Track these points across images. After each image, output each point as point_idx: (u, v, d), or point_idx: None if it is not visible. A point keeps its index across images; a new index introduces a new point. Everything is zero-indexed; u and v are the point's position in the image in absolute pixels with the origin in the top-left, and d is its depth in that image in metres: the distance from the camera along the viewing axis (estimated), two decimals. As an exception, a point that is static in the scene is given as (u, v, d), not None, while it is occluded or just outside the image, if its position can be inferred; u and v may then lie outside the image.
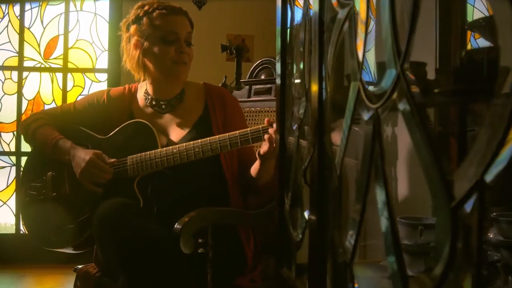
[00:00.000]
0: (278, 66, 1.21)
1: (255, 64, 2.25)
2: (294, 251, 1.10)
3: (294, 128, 1.10)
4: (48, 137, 1.92)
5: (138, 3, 1.94)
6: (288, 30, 1.20)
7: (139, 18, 1.89)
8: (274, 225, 1.24)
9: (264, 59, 2.23)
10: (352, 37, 0.67)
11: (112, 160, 1.84)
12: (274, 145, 1.65)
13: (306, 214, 1.01)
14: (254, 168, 1.82)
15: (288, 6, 1.15)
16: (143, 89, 1.99)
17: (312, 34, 0.92)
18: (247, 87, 2.25)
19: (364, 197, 0.62)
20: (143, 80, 1.98)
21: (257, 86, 2.21)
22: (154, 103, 1.95)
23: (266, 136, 1.69)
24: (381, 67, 0.75)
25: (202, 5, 4.15)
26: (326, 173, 0.84)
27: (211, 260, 1.60)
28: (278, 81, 1.20)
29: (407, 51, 0.53)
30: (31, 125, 1.98)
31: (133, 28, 1.91)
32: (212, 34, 3.87)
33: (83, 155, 1.84)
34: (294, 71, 1.16)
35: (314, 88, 0.87)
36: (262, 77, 2.22)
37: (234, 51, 3.06)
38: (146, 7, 1.90)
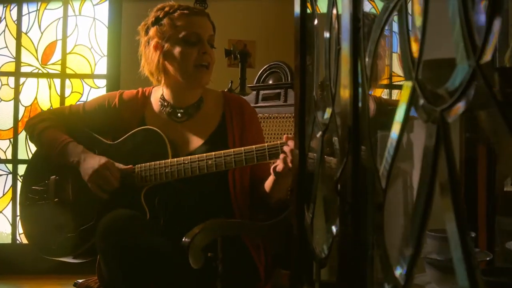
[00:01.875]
0: (296, 68, 1.12)
1: (262, 69, 2.17)
2: (318, 269, 1.02)
3: (318, 135, 1.02)
4: (57, 140, 1.83)
5: (158, 5, 1.85)
6: (304, 28, 1.12)
7: (159, 19, 1.80)
8: (292, 239, 1.16)
9: (272, 63, 2.14)
10: (404, 31, 0.58)
11: (128, 166, 1.75)
12: (290, 165, 1.56)
13: (334, 229, 0.92)
14: (268, 184, 1.73)
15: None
16: (159, 94, 1.89)
17: (342, 31, 0.84)
18: (255, 92, 2.16)
19: (424, 218, 0.53)
20: (162, 85, 1.87)
21: (265, 92, 2.12)
22: (170, 110, 1.85)
23: (281, 156, 1.60)
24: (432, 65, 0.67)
25: (203, 10, 4.07)
26: (363, 184, 0.76)
27: (221, 275, 1.51)
28: (297, 84, 1.11)
29: (485, 42, 0.45)
30: (38, 126, 1.88)
31: (153, 30, 1.82)
32: (213, 39, 3.79)
33: (97, 159, 1.75)
34: (316, 73, 1.08)
35: (347, 90, 0.79)
36: (270, 82, 2.14)
37: (238, 55, 2.98)
38: (166, 8, 1.81)
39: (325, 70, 1.00)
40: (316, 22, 1.08)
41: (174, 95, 1.85)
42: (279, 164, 1.60)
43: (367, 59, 0.72)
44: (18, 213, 1.95)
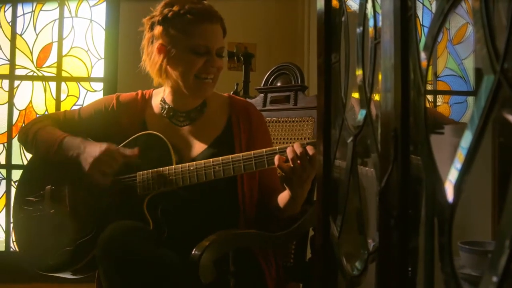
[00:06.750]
0: (320, 66, 1.03)
1: (270, 70, 2.07)
2: (349, 287, 0.92)
3: (348, 140, 0.92)
4: (53, 137, 1.72)
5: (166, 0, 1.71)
6: (329, 18, 1.03)
7: (167, 20, 1.66)
8: (315, 253, 1.07)
9: (280, 64, 2.05)
10: (483, 17, 0.49)
11: (131, 152, 1.65)
12: (292, 165, 1.47)
13: (371, 245, 0.83)
14: (282, 198, 1.62)
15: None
16: (160, 96, 1.79)
17: (383, 22, 0.74)
18: (262, 95, 2.07)
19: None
20: (165, 86, 1.77)
21: (274, 94, 2.03)
22: (171, 113, 1.75)
23: (275, 158, 1.50)
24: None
25: (203, 12, 3.98)
26: (415, 196, 0.67)
27: (233, 290, 1.41)
28: (321, 83, 1.02)
29: None
30: (32, 128, 1.78)
31: (158, 30, 1.68)
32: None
33: (98, 146, 1.64)
34: (344, 71, 0.99)
35: (392, 89, 0.70)
36: (279, 84, 2.04)
37: (242, 58, 2.88)
38: (175, 7, 1.66)
39: (357, 68, 0.91)
40: (344, 18, 0.99)
41: (175, 99, 1.76)
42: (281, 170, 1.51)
43: (422, 54, 0.63)
44: (12, 220, 1.83)
